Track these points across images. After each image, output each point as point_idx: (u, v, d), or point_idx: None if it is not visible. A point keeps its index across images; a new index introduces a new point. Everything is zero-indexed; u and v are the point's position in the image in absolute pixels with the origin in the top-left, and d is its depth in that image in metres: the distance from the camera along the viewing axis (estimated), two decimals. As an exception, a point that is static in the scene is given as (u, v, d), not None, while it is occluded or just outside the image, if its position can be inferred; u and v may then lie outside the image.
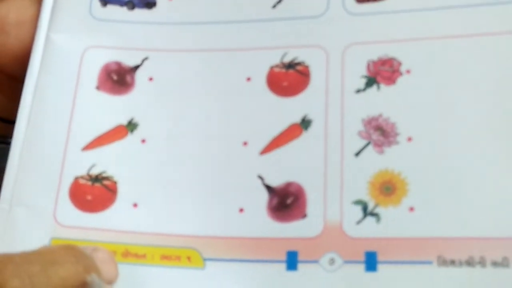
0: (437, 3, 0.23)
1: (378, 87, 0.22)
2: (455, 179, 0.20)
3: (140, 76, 0.24)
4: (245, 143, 0.23)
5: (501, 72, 0.21)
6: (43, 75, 0.24)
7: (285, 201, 0.22)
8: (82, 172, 0.23)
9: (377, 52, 0.23)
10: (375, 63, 0.23)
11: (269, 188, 0.22)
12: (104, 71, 0.24)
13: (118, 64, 0.24)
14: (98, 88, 0.24)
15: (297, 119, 0.23)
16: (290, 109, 0.23)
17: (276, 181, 0.22)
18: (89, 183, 0.23)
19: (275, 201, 0.22)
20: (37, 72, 0.24)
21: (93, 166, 0.23)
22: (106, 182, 0.23)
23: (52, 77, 0.24)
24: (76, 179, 0.23)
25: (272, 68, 0.24)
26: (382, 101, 0.22)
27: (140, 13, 0.25)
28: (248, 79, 0.24)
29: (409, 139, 0.21)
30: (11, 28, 0.25)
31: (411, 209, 0.20)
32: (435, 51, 0.22)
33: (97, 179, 0.23)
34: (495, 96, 0.21)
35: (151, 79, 0.24)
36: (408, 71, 0.22)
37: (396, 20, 0.23)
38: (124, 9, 0.25)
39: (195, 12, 0.25)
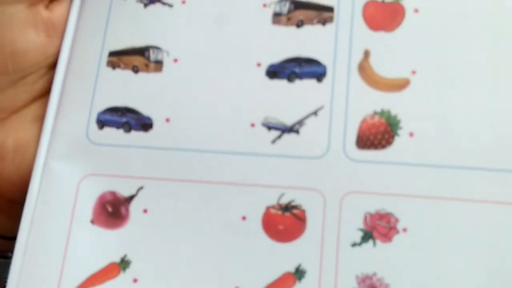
0: (441, 161, 0.22)
1: (374, 243, 0.22)
2: None
3: (135, 208, 0.24)
4: (237, 288, 0.23)
5: (494, 241, 0.21)
6: (40, 207, 0.24)
7: None
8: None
9: (375, 205, 0.22)
10: (372, 216, 0.22)
11: None
12: (99, 202, 0.24)
13: (114, 194, 0.24)
14: (92, 222, 0.24)
15: (291, 268, 0.23)
16: (285, 256, 0.23)
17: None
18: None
19: None
20: (35, 202, 0.24)
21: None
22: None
23: (49, 209, 0.24)
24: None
25: (268, 208, 0.23)
26: (378, 259, 0.22)
27: (137, 136, 0.25)
28: (244, 218, 0.23)
29: None
30: (9, 154, 0.25)
31: None
32: (433, 211, 0.22)
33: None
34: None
35: (145, 211, 0.24)
36: (404, 230, 0.22)
37: (397, 172, 0.23)
38: (121, 132, 0.25)
39: (192, 139, 0.24)
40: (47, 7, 0.26)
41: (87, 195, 0.24)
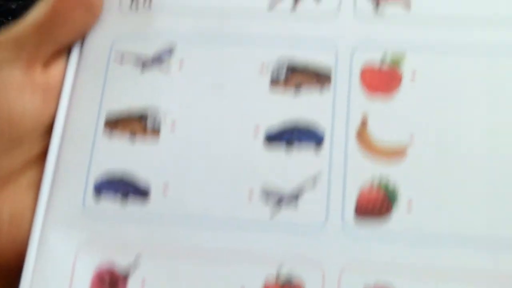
0: (440, 231, 0.22)
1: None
2: None
3: (132, 282, 0.24)
4: None
5: None
6: (36, 282, 0.23)
7: None
8: None
9: (374, 276, 0.22)
10: (372, 289, 0.22)
11: None
12: (97, 277, 0.24)
13: (111, 268, 0.24)
14: (90, 296, 0.24)
15: None
16: None
17: None
18: None
19: None
20: (31, 278, 0.23)
21: None
22: None
23: (46, 284, 0.23)
24: None
25: (266, 282, 0.23)
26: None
27: (134, 205, 0.25)
28: (243, 289, 0.23)
29: None
30: (4, 225, 0.24)
31: None
32: (432, 284, 0.22)
33: None
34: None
35: (143, 284, 0.24)
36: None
37: (396, 243, 0.23)
38: (118, 201, 0.25)
39: (189, 206, 0.24)
40: (43, 69, 0.26)
41: (84, 269, 0.24)
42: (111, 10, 0.27)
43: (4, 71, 0.25)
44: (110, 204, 0.25)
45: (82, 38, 0.27)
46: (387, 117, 0.24)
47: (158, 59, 0.26)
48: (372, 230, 0.23)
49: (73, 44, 0.26)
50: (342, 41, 0.25)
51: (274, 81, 0.25)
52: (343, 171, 0.24)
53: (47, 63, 0.26)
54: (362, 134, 0.25)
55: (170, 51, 0.26)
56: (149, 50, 0.26)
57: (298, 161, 0.24)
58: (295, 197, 0.24)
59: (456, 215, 0.23)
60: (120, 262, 0.24)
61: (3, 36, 0.25)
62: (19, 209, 0.25)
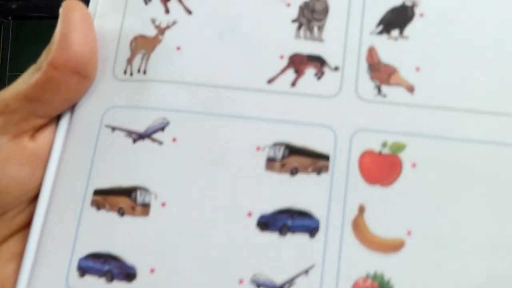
0: None
1: None
2: None
3: None
4: None
5: None
6: None
7: None
8: None
9: None
10: None
11: None
12: None
13: None
14: None
15: None
16: None
17: None
18: None
19: None
20: None
21: None
22: None
23: None
24: None
25: None
26: None
27: (119, 286, 0.24)
28: None
29: None
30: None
31: None
32: None
33: None
34: None
35: None
36: None
37: None
38: (102, 282, 0.24)
39: None
40: (31, 137, 0.25)
41: None
42: (104, 77, 0.26)
43: None
44: (94, 286, 0.24)
45: (73, 105, 0.26)
46: (385, 208, 0.24)
47: (151, 135, 0.25)
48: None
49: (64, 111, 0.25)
50: (342, 125, 0.24)
51: (271, 161, 0.25)
52: (337, 262, 0.23)
53: (36, 131, 0.25)
54: (359, 224, 0.24)
55: (163, 127, 0.25)
56: (142, 124, 0.25)
57: (291, 250, 0.23)
58: (286, 288, 0.23)
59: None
60: None
61: None
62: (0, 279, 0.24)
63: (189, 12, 0.26)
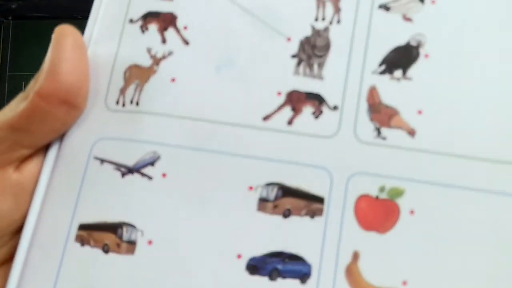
0: None
1: None
2: None
3: None
4: None
5: None
6: None
7: None
8: None
9: None
10: None
11: None
12: None
13: None
14: None
15: None
16: None
17: None
18: None
19: None
20: None
21: None
22: None
23: None
24: None
25: None
26: None
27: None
28: None
29: None
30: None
31: None
32: None
33: None
34: None
35: None
36: None
37: None
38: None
39: None
40: (17, 167, 0.24)
41: None
42: (96, 106, 0.25)
43: None
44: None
45: (61, 136, 0.25)
46: (381, 256, 0.23)
47: (140, 169, 0.24)
48: None
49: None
50: (339, 166, 0.24)
51: (263, 201, 0.24)
52: None
53: (22, 161, 0.24)
54: (353, 271, 0.23)
55: (153, 162, 0.24)
56: (132, 158, 0.24)
57: None
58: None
59: None
60: None
61: None
62: None
63: (187, 43, 0.25)
